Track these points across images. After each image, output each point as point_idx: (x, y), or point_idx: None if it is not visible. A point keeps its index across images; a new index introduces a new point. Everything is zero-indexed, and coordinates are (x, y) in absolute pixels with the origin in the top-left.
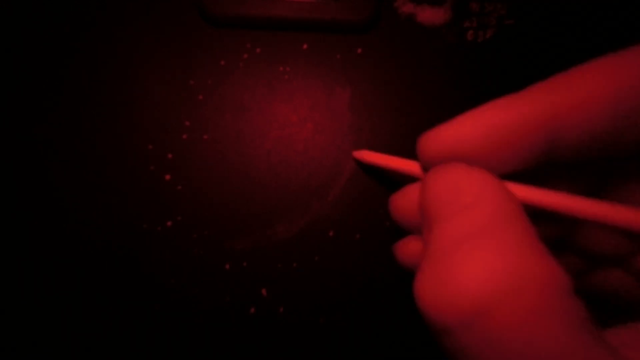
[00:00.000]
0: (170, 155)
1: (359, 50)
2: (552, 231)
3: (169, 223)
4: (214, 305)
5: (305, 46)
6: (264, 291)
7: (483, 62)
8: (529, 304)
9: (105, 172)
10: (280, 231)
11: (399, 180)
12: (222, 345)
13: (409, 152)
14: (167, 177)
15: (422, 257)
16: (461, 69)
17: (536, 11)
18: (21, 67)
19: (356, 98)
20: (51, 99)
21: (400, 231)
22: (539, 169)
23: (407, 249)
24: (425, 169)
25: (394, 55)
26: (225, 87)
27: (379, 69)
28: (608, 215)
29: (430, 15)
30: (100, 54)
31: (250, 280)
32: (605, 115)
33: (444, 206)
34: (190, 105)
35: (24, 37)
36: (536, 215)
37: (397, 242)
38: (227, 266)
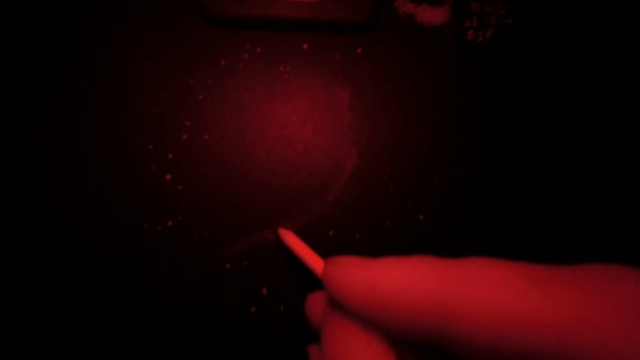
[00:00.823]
0: (170, 156)
1: (359, 50)
2: None
3: (170, 223)
4: (215, 305)
5: (305, 46)
6: (264, 291)
7: (483, 62)
8: None
9: (106, 172)
10: None
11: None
12: (223, 344)
13: (409, 151)
14: (168, 177)
15: None
16: (461, 69)
17: (536, 11)
18: (22, 68)
19: (356, 98)
20: (51, 99)
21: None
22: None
23: (315, 306)
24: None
25: (394, 55)
26: (225, 87)
27: (379, 69)
28: None
29: (430, 15)
30: (100, 54)
31: (251, 279)
32: (493, 345)
33: None
34: (190, 105)
35: (24, 37)
36: None
37: (309, 295)
38: (228, 266)
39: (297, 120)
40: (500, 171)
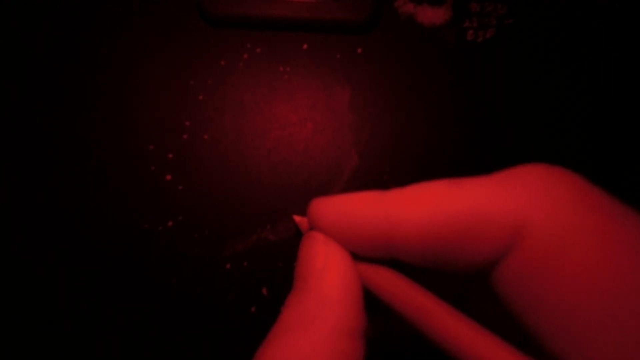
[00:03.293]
0: (170, 156)
1: (359, 50)
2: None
3: (170, 223)
4: (215, 305)
5: (305, 46)
6: (264, 291)
7: (483, 62)
8: None
9: (106, 172)
10: (281, 231)
11: None
12: (223, 344)
13: (409, 151)
14: (168, 177)
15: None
16: (461, 69)
17: (536, 11)
18: (22, 68)
19: (356, 98)
20: (52, 99)
21: None
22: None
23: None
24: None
25: (394, 55)
26: (226, 87)
27: (379, 69)
28: (426, 323)
29: (430, 16)
30: (100, 54)
31: (251, 279)
32: (422, 245)
33: (299, 270)
34: (190, 105)
35: (24, 38)
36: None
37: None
38: (228, 266)
39: (297, 120)
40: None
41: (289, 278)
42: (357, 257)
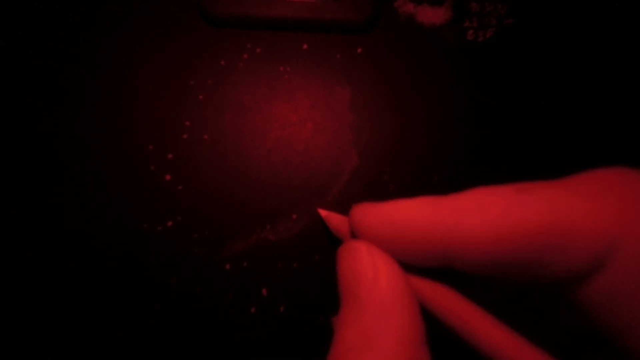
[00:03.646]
0: (170, 156)
1: (359, 50)
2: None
3: (170, 223)
4: (215, 305)
5: (305, 46)
6: (264, 291)
7: (483, 62)
8: None
9: (106, 172)
10: (281, 231)
11: None
12: (223, 344)
13: (409, 151)
14: (168, 177)
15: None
16: (461, 69)
17: (536, 11)
18: (22, 68)
19: (356, 98)
20: (52, 99)
21: None
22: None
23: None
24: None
25: (394, 55)
26: (226, 87)
27: (379, 69)
28: (480, 339)
29: (430, 15)
30: (100, 54)
31: (251, 280)
32: (489, 260)
33: (346, 284)
34: (190, 105)
35: (24, 38)
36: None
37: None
38: (228, 266)
39: (297, 120)
40: (500, 171)
41: (288, 278)
42: (404, 265)
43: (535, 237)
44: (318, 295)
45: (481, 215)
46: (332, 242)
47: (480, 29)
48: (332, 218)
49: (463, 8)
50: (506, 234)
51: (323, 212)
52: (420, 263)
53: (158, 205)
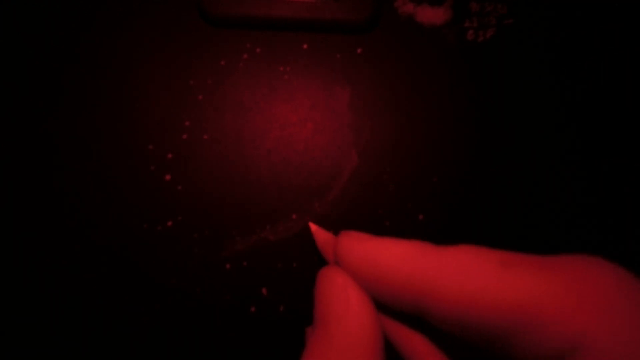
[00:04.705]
0: (170, 155)
1: (359, 50)
2: None
3: (170, 223)
4: (214, 305)
5: (305, 46)
6: (264, 290)
7: (483, 62)
8: None
9: (106, 172)
10: (281, 231)
11: None
12: (223, 344)
13: (409, 151)
14: (168, 177)
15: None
16: (461, 69)
17: (536, 11)
18: (22, 68)
19: (356, 98)
20: (52, 99)
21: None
22: None
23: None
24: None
25: (393, 55)
26: (225, 87)
27: (379, 69)
28: None
29: (430, 15)
30: (100, 54)
31: (251, 279)
32: (458, 326)
33: (319, 313)
34: (190, 105)
35: (24, 38)
36: None
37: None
38: (227, 266)
39: (297, 120)
40: (500, 171)
41: (288, 278)
42: (380, 305)
43: (508, 318)
44: None
45: (461, 283)
46: (318, 254)
47: (480, 29)
48: (320, 235)
49: (463, 8)
50: (481, 307)
51: (313, 227)
52: (396, 308)
53: (158, 205)
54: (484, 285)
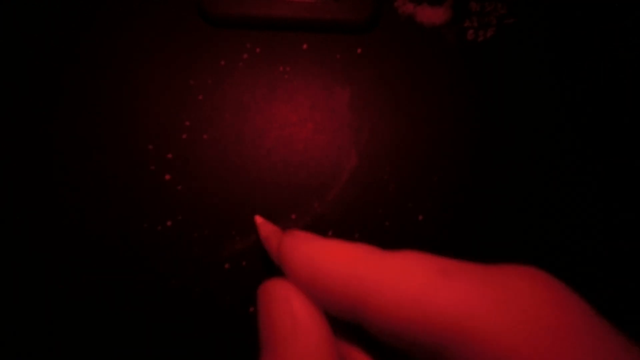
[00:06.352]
0: (170, 155)
1: (359, 50)
2: None
3: (169, 223)
4: (214, 305)
5: (305, 46)
6: None
7: (483, 62)
8: None
9: (106, 172)
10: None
11: None
12: (222, 345)
13: (409, 151)
14: (167, 177)
15: None
16: (461, 69)
17: (536, 11)
18: (22, 68)
19: (356, 98)
20: (52, 99)
21: None
22: None
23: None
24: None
25: (393, 55)
26: (225, 87)
27: (379, 69)
28: None
29: (430, 15)
30: (100, 54)
31: (250, 279)
32: (392, 334)
33: (264, 335)
34: (190, 105)
35: (24, 38)
36: None
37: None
38: (227, 266)
39: (297, 120)
40: (500, 171)
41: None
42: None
43: (441, 330)
44: None
45: (397, 289)
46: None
47: (480, 29)
48: (266, 228)
49: (463, 8)
50: (414, 317)
51: (259, 219)
52: (336, 314)
53: (158, 205)
54: (420, 294)
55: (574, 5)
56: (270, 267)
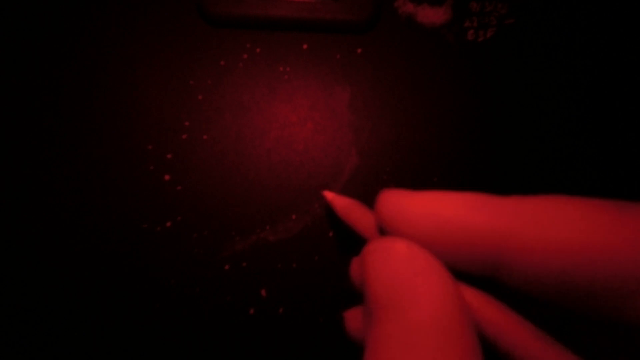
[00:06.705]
0: (170, 156)
1: (359, 50)
2: None
3: (169, 223)
4: (214, 306)
5: (305, 46)
6: (263, 292)
7: (483, 62)
8: None
9: (106, 172)
10: (280, 231)
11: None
12: (222, 345)
13: (409, 151)
14: (167, 177)
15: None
16: (461, 69)
17: (536, 11)
18: (22, 68)
19: (356, 98)
20: (51, 99)
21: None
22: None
23: (353, 323)
24: (381, 229)
25: (394, 55)
26: (225, 87)
27: (379, 69)
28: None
29: (430, 15)
30: (100, 54)
31: (250, 280)
32: (550, 281)
33: (383, 295)
34: (190, 105)
35: (24, 38)
36: None
37: (346, 312)
38: (227, 266)
39: (297, 120)
40: (500, 171)
41: (288, 279)
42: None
43: (624, 267)
44: (317, 295)
45: (557, 229)
46: (339, 236)
47: (480, 29)
48: (340, 201)
49: (463, 8)
50: (589, 257)
51: (329, 195)
52: (463, 270)
53: (157, 205)
54: (586, 235)
55: (573, 5)
56: (272, 267)
